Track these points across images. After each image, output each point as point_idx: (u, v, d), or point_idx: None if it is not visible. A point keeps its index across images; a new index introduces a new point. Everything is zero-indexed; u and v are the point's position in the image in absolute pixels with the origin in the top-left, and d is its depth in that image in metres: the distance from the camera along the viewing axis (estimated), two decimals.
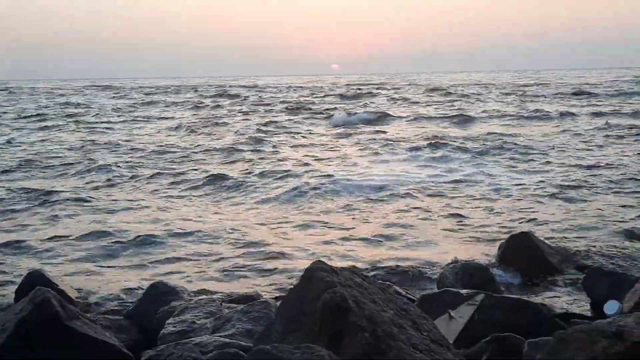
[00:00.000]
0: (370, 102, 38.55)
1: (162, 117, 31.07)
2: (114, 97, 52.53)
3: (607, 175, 12.78)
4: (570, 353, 2.46)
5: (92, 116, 32.10)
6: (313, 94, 50.82)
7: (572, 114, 26.66)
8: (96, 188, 13.00)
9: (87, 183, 13.64)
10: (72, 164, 16.17)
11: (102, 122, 28.52)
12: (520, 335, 3.93)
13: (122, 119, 30.13)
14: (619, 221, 9.08)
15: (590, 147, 17.33)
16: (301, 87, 66.78)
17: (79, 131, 25.10)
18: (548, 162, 15.00)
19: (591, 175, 12.88)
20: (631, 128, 21.06)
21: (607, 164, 14.11)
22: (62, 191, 12.34)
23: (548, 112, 27.29)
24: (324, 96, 46.18)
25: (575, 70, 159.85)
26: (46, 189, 12.54)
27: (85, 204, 11.28)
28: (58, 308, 3.95)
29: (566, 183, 12.09)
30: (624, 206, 10.07)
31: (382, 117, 27.93)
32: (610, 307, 4.68)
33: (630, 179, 12.29)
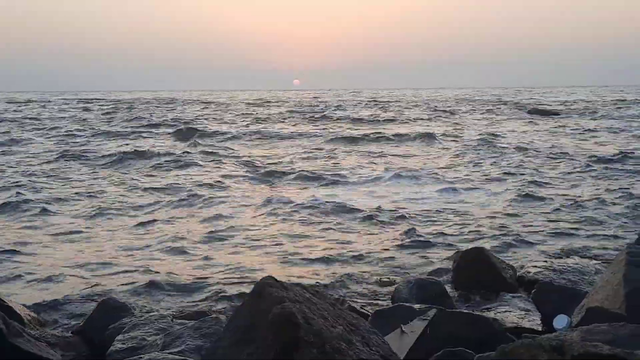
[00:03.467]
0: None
1: None
2: None
3: (557, 190, 13.05)
4: None
5: None
6: None
7: None
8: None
9: None
10: None
11: None
12: (472, 350, 3.95)
13: None
14: (569, 236, 9.28)
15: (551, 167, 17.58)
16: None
17: None
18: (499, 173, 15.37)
19: (541, 189, 13.16)
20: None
21: (558, 181, 14.39)
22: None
23: None
24: None
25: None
26: None
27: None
28: (1, 325, 3.84)
29: (515, 197, 12.30)
30: (576, 222, 10.27)
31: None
32: (559, 321, 4.73)
33: (585, 197, 12.48)
